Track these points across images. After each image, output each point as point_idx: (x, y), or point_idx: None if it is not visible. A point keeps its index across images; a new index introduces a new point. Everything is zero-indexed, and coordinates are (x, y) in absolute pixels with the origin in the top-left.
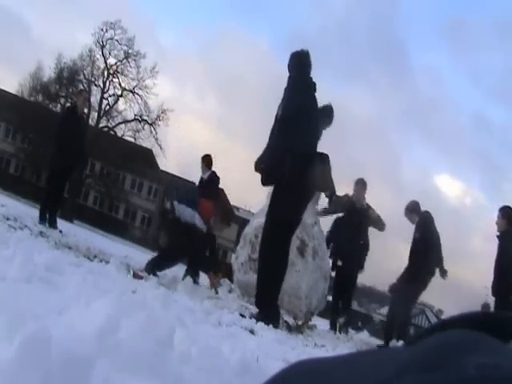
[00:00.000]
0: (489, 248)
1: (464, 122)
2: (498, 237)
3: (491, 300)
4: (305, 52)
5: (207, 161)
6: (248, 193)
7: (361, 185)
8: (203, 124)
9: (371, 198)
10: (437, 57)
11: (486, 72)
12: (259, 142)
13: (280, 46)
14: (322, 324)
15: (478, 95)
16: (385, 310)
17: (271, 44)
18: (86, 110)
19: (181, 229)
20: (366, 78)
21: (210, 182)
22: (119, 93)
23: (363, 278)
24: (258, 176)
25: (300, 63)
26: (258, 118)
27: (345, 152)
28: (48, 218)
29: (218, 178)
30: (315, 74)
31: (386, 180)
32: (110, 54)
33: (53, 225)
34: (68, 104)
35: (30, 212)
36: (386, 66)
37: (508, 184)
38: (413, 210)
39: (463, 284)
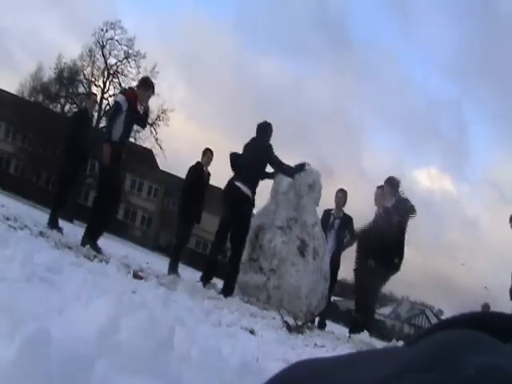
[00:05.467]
0: (488, 249)
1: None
2: None
3: (491, 300)
4: (267, 124)
5: None
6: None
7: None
8: (183, 117)
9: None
10: (386, 33)
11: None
12: (240, 134)
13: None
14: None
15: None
16: (384, 311)
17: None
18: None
19: None
20: (314, 57)
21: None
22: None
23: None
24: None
25: (263, 132)
26: (235, 108)
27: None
28: (48, 218)
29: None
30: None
31: (346, 166)
32: (110, 54)
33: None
34: (69, 105)
35: (30, 212)
36: (332, 44)
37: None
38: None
39: (463, 284)
